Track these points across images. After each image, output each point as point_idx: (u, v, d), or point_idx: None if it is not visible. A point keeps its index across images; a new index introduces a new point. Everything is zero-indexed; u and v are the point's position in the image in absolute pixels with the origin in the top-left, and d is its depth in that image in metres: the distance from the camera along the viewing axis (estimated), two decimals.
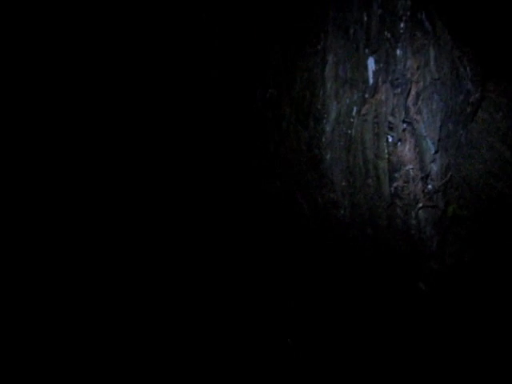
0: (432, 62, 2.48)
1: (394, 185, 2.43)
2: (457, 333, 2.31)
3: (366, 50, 2.49)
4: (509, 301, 2.31)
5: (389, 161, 2.42)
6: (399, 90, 2.46)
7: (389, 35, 2.45)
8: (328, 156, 2.47)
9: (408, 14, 2.43)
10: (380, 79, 2.48)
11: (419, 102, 2.46)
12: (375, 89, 2.48)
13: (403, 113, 2.44)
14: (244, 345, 2.09)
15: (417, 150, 2.44)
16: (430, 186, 2.43)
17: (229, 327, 2.20)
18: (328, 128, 2.48)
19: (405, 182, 2.43)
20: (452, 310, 2.34)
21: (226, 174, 2.52)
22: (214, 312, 2.25)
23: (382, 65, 2.48)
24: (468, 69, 2.53)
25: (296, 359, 2.11)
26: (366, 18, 2.47)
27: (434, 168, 2.44)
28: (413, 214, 2.42)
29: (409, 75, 2.47)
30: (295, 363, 2.09)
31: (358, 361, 2.21)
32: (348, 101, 2.49)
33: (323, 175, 2.47)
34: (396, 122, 2.44)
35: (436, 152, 2.44)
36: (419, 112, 2.45)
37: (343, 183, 2.46)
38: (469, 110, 2.52)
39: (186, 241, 2.45)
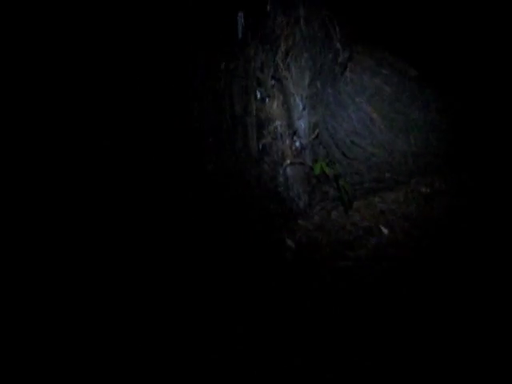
0: (302, 20, 2.47)
1: (262, 141, 2.38)
2: (324, 290, 2.30)
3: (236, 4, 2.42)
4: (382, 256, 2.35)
5: (257, 117, 2.37)
6: (268, 45, 2.42)
7: None
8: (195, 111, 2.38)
9: None
10: (249, 34, 2.43)
11: (288, 59, 2.43)
12: (244, 44, 2.42)
13: (272, 69, 2.40)
14: None
15: (285, 106, 2.41)
16: (297, 143, 2.41)
17: None
18: (196, 82, 2.39)
19: (273, 139, 2.39)
20: (320, 268, 2.34)
21: None
22: None
23: (251, 20, 2.43)
24: (337, 29, 2.54)
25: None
26: None
27: (302, 125, 2.42)
28: (280, 171, 2.39)
29: (279, 31, 2.44)
30: None
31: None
32: (217, 55, 2.41)
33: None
34: (264, 78, 2.40)
35: (304, 109, 2.42)
36: (288, 69, 2.42)
37: (210, 139, 2.37)
38: (337, 69, 2.54)
39: None
